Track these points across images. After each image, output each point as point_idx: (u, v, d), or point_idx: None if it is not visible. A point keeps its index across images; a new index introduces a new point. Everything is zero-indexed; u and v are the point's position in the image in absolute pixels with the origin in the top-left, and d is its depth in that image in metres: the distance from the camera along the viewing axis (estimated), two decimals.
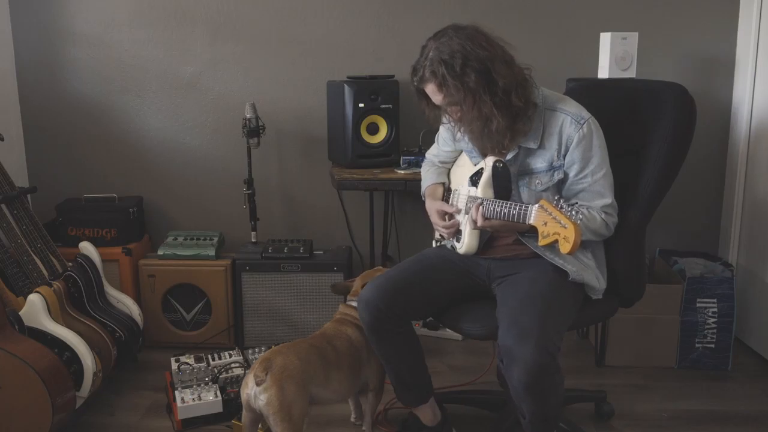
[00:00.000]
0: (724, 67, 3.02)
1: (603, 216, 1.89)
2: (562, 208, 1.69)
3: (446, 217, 2.08)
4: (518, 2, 3.00)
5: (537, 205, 1.75)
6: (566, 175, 1.91)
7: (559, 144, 1.89)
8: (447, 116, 1.98)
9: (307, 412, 1.95)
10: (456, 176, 2.18)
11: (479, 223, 1.89)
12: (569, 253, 1.66)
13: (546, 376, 1.73)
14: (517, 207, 1.81)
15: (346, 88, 2.76)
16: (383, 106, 2.81)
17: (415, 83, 1.91)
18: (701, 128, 2.98)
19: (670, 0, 2.98)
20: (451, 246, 2.10)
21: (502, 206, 1.84)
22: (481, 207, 1.88)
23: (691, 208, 3.14)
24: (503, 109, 1.83)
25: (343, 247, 3.02)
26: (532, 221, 1.76)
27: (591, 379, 2.62)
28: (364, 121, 2.82)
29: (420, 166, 2.76)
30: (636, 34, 2.69)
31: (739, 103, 2.97)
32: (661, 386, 2.64)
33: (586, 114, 1.90)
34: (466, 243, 2.03)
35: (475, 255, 2.05)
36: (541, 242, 1.73)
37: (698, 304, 2.71)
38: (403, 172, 2.76)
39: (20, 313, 2.28)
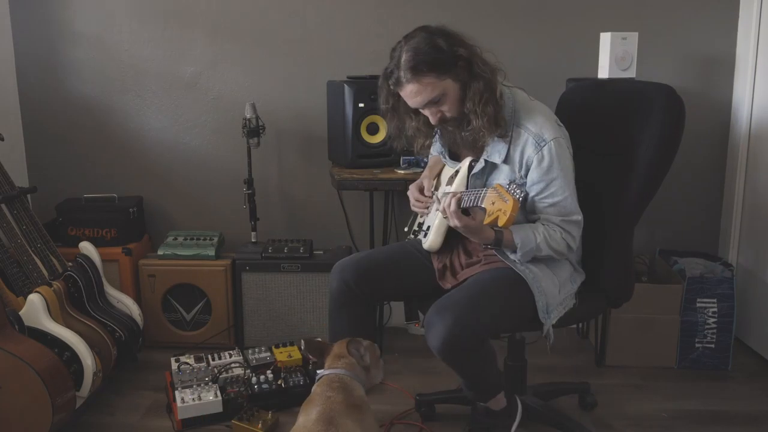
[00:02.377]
0: (724, 67, 3.02)
1: (562, 235, 1.88)
2: (510, 190, 1.70)
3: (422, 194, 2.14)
4: (519, 2, 3.00)
5: (491, 188, 1.76)
6: (528, 193, 1.89)
7: (520, 163, 1.88)
8: (419, 128, 1.98)
9: None
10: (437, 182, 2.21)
11: (452, 208, 1.80)
12: (505, 226, 1.69)
13: (457, 348, 1.80)
14: (475, 191, 1.82)
15: (346, 88, 2.76)
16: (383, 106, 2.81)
17: (391, 86, 1.87)
18: (701, 128, 3.00)
19: (670, 0, 2.98)
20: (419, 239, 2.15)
21: (468, 194, 1.85)
22: (459, 199, 1.83)
23: (691, 208, 3.14)
24: (482, 108, 1.82)
25: (343, 247, 3.02)
26: (483, 204, 1.76)
27: (591, 379, 2.61)
28: (364, 121, 2.82)
29: (420, 166, 2.78)
30: (636, 34, 2.68)
31: (739, 103, 2.97)
32: (661, 386, 2.65)
33: (548, 134, 1.85)
34: (430, 239, 2.08)
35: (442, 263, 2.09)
36: (486, 220, 1.74)
37: (698, 304, 2.71)
38: (403, 172, 2.76)
39: (20, 313, 2.28)
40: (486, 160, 1.93)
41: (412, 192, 2.18)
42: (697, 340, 2.74)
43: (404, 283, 2.12)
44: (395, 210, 3.15)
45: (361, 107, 2.77)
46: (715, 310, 2.70)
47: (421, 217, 2.25)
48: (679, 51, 3.02)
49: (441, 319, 1.79)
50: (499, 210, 1.69)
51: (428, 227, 2.11)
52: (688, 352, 2.75)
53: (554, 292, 1.93)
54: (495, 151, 1.90)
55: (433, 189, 2.19)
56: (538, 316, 1.92)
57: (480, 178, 1.95)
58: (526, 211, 1.93)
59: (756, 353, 2.86)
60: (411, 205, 2.18)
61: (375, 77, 2.81)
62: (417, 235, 2.21)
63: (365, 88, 2.77)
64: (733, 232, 3.01)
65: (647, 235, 3.12)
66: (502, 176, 1.92)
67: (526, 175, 1.88)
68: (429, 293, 2.08)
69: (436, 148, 2.24)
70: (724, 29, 2.99)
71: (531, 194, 1.88)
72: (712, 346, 2.74)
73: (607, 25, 2.82)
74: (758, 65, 2.84)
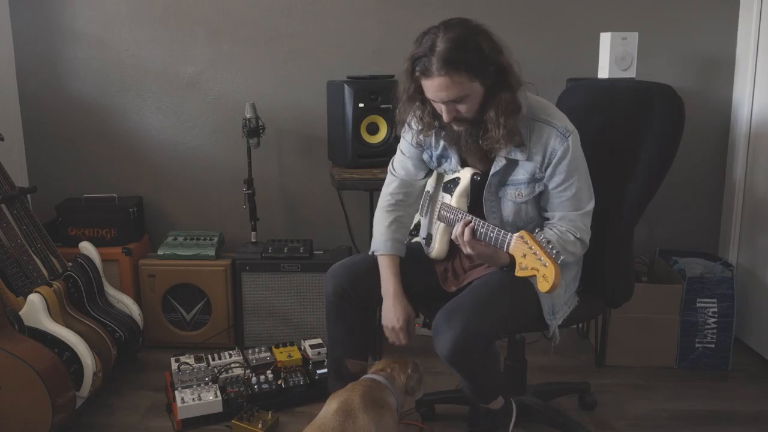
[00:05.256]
0: (724, 67, 3.02)
1: (577, 235, 1.86)
2: (542, 241, 1.64)
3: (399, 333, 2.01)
4: (518, 2, 3.00)
5: (517, 235, 1.70)
6: (546, 186, 1.88)
7: (543, 156, 1.85)
8: (422, 120, 1.90)
9: None
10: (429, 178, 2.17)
11: (466, 238, 1.80)
12: (548, 292, 1.63)
13: (466, 353, 1.78)
14: (496, 230, 1.77)
15: (346, 88, 2.76)
16: (383, 106, 2.81)
17: (417, 72, 1.77)
18: (701, 128, 3.00)
19: (670, 0, 2.98)
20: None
21: (486, 228, 1.80)
22: (473, 229, 1.81)
23: (690, 207, 3.14)
24: (504, 119, 1.77)
25: (343, 247, 3.02)
26: (510, 250, 1.72)
27: (591, 379, 2.61)
28: (364, 121, 2.82)
29: None
30: (636, 34, 2.68)
31: (739, 103, 2.97)
32: (661, 386, 2.65)
33: (570, 126, 1.85)
34: (436, 249, 2.04)
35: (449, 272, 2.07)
36: (518, 273, 1.69)
37: (698, 304, 2.71)
38: None
39: (20, 313, 2.28)
40: (506, 158, 1.87)
41: (389, 328, 2.04)
42: (697, 340, 2.74)
43: (403, 284, 2.08)
44: None
45: (361, 107, 2.76)
46: (715, 310, 2.70)
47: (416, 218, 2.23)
48: (679, 51, 3.02)
49: (449, 326, 1.77)
50: (536, 270, 1.63)
51: (429, 234, 2.08)
52: (688, 352, 2.75)
53: (560, 292, 1.92)
54: (516, 148, 1.85)
55: (429, 188, 2.16)
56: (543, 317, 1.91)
57: (497, 176, 1.90)
58: (539, 207, 1.92)
59: (756, 353, 2.86)
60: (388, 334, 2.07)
61: (375, 77, 2.86)
62: (412, 239, 2.20)
63: (365, 88, 2.77)
64: (733, 232, 3.01)
65: (647, 235, 3.12)
66: (520, 172, 1.88)
67: (546, 168, 1.85)
68: (425, 294, 2.08)
69: (399, 170, 2.11)
70: (724, 29, 2.99)
71: (550, 186, 1.86)
72: (712, 346, 2.74)
73: (607, 25, 2.82)
74: (758, 65, 2.84)
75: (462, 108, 1.79)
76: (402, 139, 2.07)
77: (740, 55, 2.97)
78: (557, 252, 1.62)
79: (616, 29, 2.71)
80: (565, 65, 2.94)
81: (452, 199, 1.95)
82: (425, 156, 2.04)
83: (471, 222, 1.82)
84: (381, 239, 2.04)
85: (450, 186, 1.99)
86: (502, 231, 1.75)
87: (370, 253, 2.07)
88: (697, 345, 2.74)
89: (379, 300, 2.05)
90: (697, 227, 3.16)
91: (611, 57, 2.68)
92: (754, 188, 2.89)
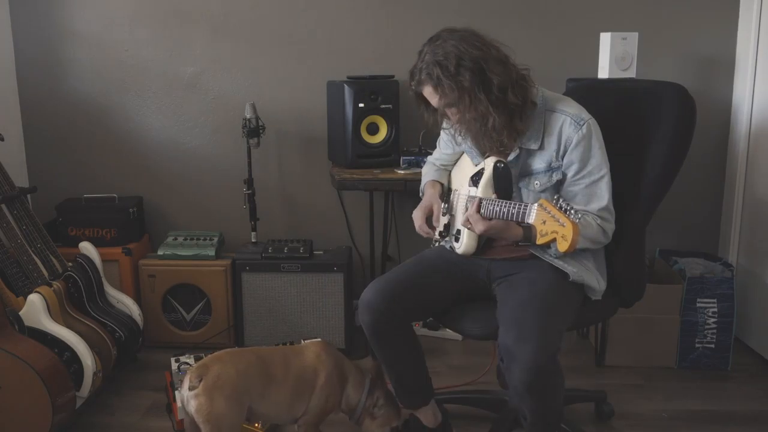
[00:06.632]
0: (724, 67, 3.02)
1: (599, 222, 1.88)
2: (561, 207, 1.68)
3: (431, 217, 2.11)
4: (518, 2, 3.00)
5: (537, 204, 1.74)
6: (564, 175, 1.90)
7: (558, 145, 1.89)
8: (446, 120, 1.99)
9: (241, 424, 1.93)
10: (457, 177, 2.17)
11: (476, 226, 1.84)
12: (566, 252, 1.65)
13: (546, 376, 1.74)
14: (517, 206, 1.79)
15: (346, 88, 2.76)
16: (383, 106, 2.81)
17: (413, 87, 1.93)
18: (701, 128, 2.97)
19: (670, 0, 2.98)
20: (450, 246, 2.09)
21: (501, 205, 1.83)
22: (478, 205, 1.85)
23: (691, 208, 3.14)
24: (500, 107, 1.84)
25: (343, 247, 3.02)
26: (532, 220, 1.74)
27: (591, 379, 2.62)
28: (364, 121, 2.82)
29: (420, 166, 2.76)
30: (636, 34, 2.69)
31: (739, 103, 2.97)
32: (661, 386, 2.65)
33: (586, 115, 1.89)
34: (465, 243, 2.01)
35: (475, 256, 2.03)
36: (539, 241, 1.71)
37: (698, 304, 2.71)
38: (403, 172, 2.76)
39: (20, 313, 2.29)
40: (521, 147, 1.92)
41: (417, 218, 2.12)
42: (697, 340, 2.74)
43: (433, 294, 2.05)
44: (395, 210, 3.15)
45: (361, 107, 2.77)
46: (715, 310, 2.70)
47: (445, 218, 2.17)
48: (679, 51, 3.02)
49: (521, 351, 1.72)
50: (555, 233, 1.65)
51: (458, 231, 2.05)
52: (688, 352, 2.75)
53: (592, 267, 1.96)
54: (529, 138, 1.91)
55: (452, 187, 2.16)
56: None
57: (515, 166, 1.94)
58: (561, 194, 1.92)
59: (756, 353, 2.86)
60: (416, 228, 2.13)
61: (375, 77, 2.86)
62: (439, 243, 2.16)
63: (365, 88, 2.77)
64: (733, 232, 3.01)
65: (647, 235, 3.11)
66: (537, 161, 1.91)
67: (563, 157, 1.88)
68: (458, 299, 2.05)
69: (439, 156, 2.23)
70: (724, 29, 2.99)
71: (569, 175, 1.88)
72: (712, 346, 2.74)
73: (607, 25, 2.82)
74: (758, 65, 2.84)
75: (461, 109, 1.87)
76: (442, 132, 2.16)
77: (740, 55, 2.97)
78: (575, 211, 1.66)
79: (616, 29, 2.71)
80: (565, 65, 2.94)
81: (478, 191, 1.97)
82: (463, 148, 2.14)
83: (480, 202, 1.85)
84: (425, 179, 2.25)
85: (476, 178, 2.01)
86: (522, 204, 1.79)
87: (421, 194, 2.21)
88: (697, 345, 2.74)
89: (418, 316, 2.10)
90: (697, 227, 3.16)
91: (611, 57, 2.68)
92: (754, 188, 2.89)
